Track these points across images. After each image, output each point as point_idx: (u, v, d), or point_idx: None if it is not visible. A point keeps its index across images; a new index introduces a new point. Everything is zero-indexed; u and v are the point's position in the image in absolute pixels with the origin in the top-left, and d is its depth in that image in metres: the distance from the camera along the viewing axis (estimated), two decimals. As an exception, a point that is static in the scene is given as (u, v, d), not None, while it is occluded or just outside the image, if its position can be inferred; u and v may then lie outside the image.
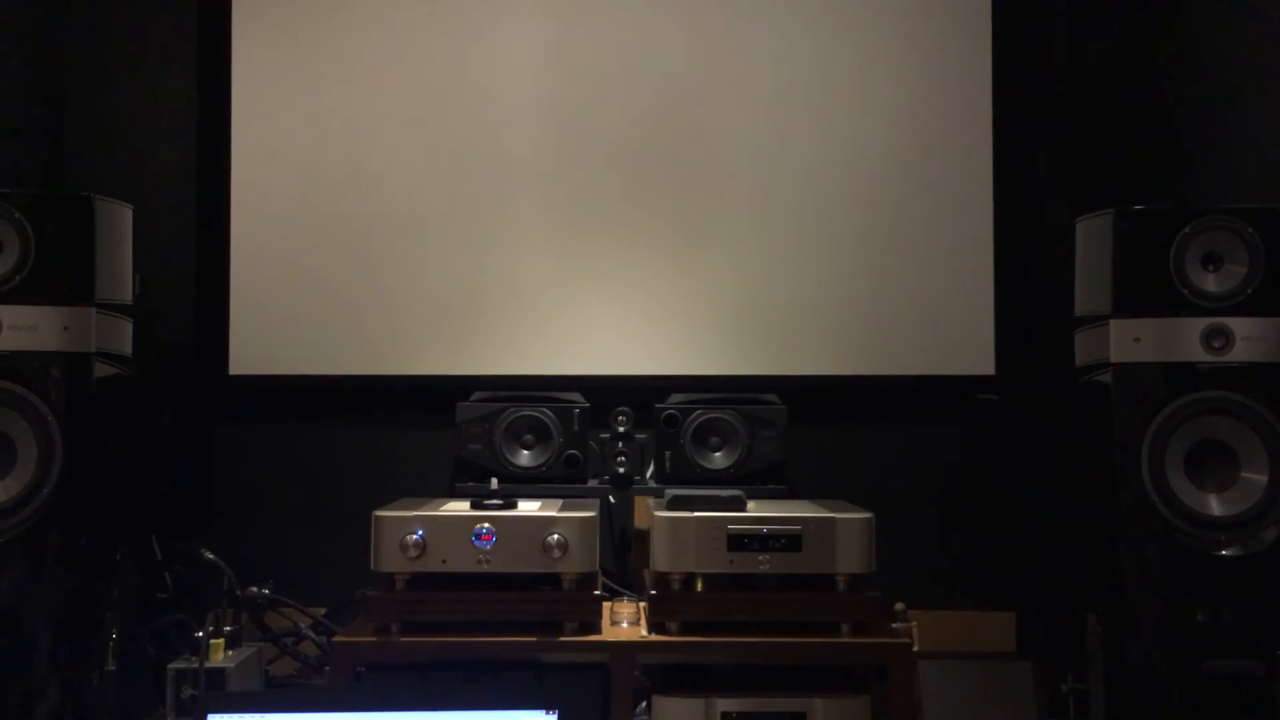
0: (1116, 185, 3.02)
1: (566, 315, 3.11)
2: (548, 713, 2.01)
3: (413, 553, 2.30)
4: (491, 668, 2.31)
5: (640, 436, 2.81)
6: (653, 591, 2.38)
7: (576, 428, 2.75)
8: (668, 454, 2.74)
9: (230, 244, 3.13)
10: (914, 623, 2.47)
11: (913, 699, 2.41)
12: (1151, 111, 3.10)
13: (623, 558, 2.86)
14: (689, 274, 3.11)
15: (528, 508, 2.41)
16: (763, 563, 2.32)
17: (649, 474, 2.81)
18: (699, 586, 2.36)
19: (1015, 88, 3.13)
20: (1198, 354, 2.34)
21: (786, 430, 2.75)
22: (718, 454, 2.75)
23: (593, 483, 2.79)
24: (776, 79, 3.13)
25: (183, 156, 3.16)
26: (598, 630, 2.37)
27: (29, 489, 2.32)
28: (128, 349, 2.55)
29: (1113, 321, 2.39)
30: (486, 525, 2.32)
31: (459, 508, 2.39)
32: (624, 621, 2.42)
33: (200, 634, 2.48)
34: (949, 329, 3.10)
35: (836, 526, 2.33)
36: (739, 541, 2.32)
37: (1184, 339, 2.35)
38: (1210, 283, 2.36)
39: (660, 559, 2.35)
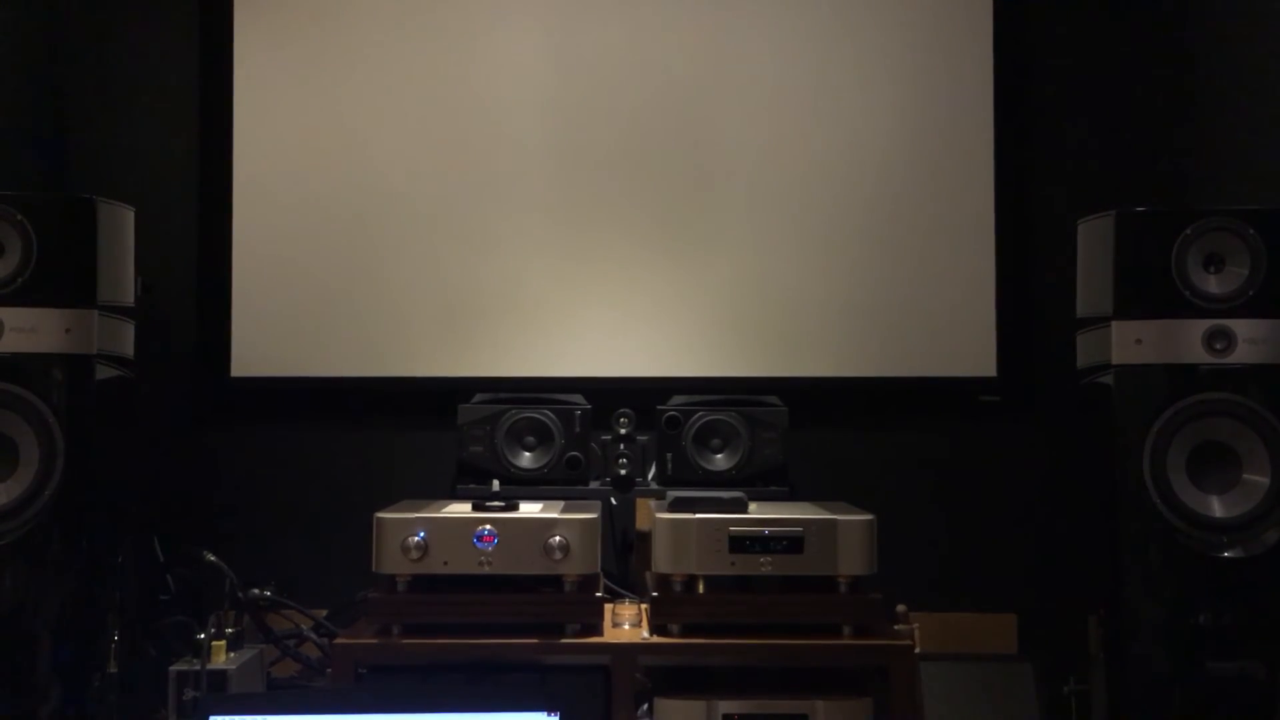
0: (1118, 187, 3.02)
1: (568, 317, 3.11)
2: (549, 714, 2.02)
3: (414, 554, 2.30)
4: (493, 669, 2.31)
5: (642, 438, 2.81)
6: (654, 593, 2.38)
7: (578, 429, 2.75)
8: (669, 456, 2.74)
9: (232, 246, 3.13)
10: (915, 624, 2.46)
11: (914, 701, 2.41)
12: (1153, 112, 3.10)
13: (624, 560, 2.85)
14: (690, 275, 3.11)
15: (529, 509, 2.41)
16: (764, 564, 2.32)
17: (650, 476, 2.81)
18: (700, 588, 2.35)
19: (1017, 88, 3.13)
20: (1199, 356, 2.34)
21: (788, 432, 2.75)
22: (719, 456, 2.75)
23: (594, 484, 2.79)
24: (777, 80, 3.13)
25: (184, 159, 3.16)
26: (599, 632, 2.37)
27: (31, 491, 2.32)
28: (129, 351, 2.56)
29: (1114, 323, 2.39)
30: (488, 527, 2.31)
31: (460, 509, 2.40)
32: (625, 623, 2.42)
33: (202, 636, 2.47)
34: (950, 330, 3.10)
35: (838, 528, 2.33)
36: (740, 543, 2.32)
37: (1186, 341, 2.35)
38: (1212, 284, 2.36)
39: (662, 561, 2.35)
